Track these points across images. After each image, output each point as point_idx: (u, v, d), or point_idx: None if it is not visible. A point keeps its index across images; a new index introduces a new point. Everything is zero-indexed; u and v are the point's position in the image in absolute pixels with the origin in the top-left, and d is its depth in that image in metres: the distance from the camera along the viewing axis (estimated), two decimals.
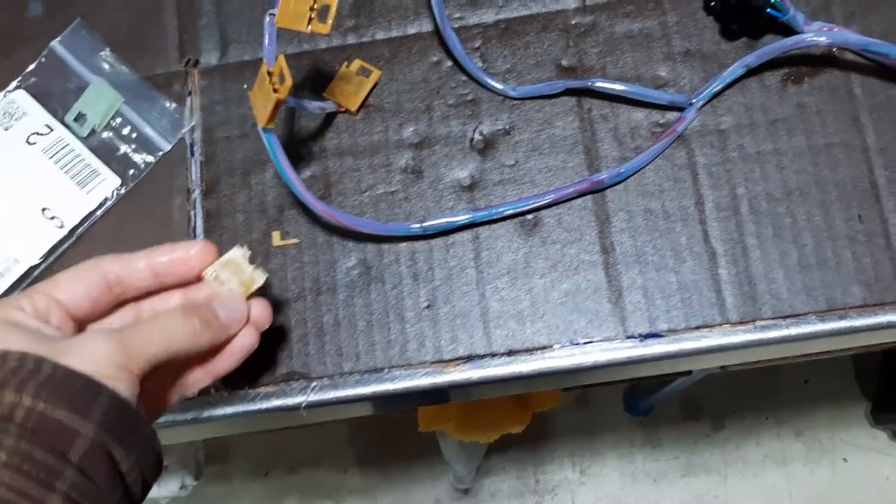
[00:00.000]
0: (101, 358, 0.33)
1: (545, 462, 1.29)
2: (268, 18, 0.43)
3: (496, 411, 0.83)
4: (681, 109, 0.48)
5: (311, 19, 0.42)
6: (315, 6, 0.42)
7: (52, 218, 0.50)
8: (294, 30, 0.42)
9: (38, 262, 0.50)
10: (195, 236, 0.49)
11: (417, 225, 0.47)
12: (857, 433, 1.31)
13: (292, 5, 0.42)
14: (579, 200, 0.48)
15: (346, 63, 0.51)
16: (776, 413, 1.32)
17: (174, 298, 0.41)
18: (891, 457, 1.29)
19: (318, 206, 0.45)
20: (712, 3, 0.49)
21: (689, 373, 0.88)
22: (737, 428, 1.32)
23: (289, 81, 0.41)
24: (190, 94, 0.52)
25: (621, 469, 1.30)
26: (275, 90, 0.41)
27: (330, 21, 0.42)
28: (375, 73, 0.50)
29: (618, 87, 0.48)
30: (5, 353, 0.31)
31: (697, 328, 0.45)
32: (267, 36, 0.43)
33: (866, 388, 1.31)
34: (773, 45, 0.46)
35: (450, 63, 0.51)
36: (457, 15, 0.52)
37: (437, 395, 0.47)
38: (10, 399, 0.30)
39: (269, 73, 0.42)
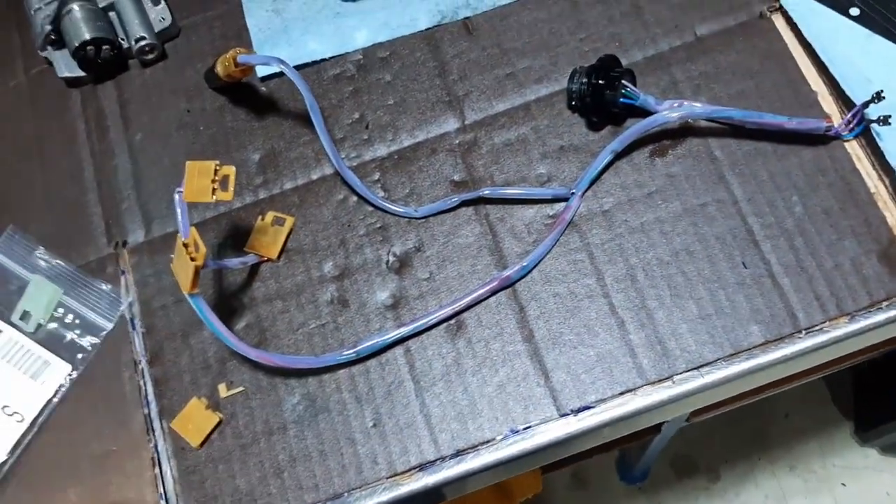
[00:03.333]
0: None
1: None
2: (177, 196, 0.47)
3: None
4: (565, 200, 0.53)
5: (214, 190, 0.46)
6: (216, 178, 0.46)
7: (13, 414, 0.53)
8: (201, 201, 0.47)
9: (5, 457, 0.52)
10: (147, 405, 0.52)
11: (350, 350, 0.50)
12: (847, 456, 1.33)
13: (196, 181, 0.46)
14: (494, 298, 0.52)
15: (260, 217, 0.55)
16: (766, 453, 1.34)
17: None
18: (885, 472, 1.31)
19: (252, 353, 0.49)
20: (574, 103, 0.54)
21: (658, 429, 0.90)
22: (732, 475, 1.33)
23: (203, 249, 0.45)
24: (123, 272, 0.56)
25: None
26: (192, 259, 0.45)
27: (231, 189, 0.46)
28: (289, 221, 0.55)
29: (505, 191, 0.53)
30: None
31: (622, 394, 0.49)
32: (179, 211, 0.47)
33: (845, 410, 1.34)
34: (632, 130, 0.52)
35: (355, 198, 0.56)
36: (353, 154, 0.57)
37: None
38: None
39: (185, 245, 0.46)
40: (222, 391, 0.52)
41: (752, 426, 1.34)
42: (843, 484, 1.31)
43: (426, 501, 0.50)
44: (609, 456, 1.32)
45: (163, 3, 0.61)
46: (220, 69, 0.55)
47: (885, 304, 0.49)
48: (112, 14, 0.61)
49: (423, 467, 0.49)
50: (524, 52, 0.58)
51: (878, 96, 0.49)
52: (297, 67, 0.59)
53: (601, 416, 0.49)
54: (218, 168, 0.47)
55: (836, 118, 0.53)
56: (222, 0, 0.62)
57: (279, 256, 0.54)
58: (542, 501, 1.34)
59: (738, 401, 0.90)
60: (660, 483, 1.33)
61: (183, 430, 0.50)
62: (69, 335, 0.54)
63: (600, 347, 0.50)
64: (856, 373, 1.32)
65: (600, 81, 0.52)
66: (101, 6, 0.60)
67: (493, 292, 0.52)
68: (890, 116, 0.49)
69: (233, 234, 0.55)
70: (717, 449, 1.34)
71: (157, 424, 0.52)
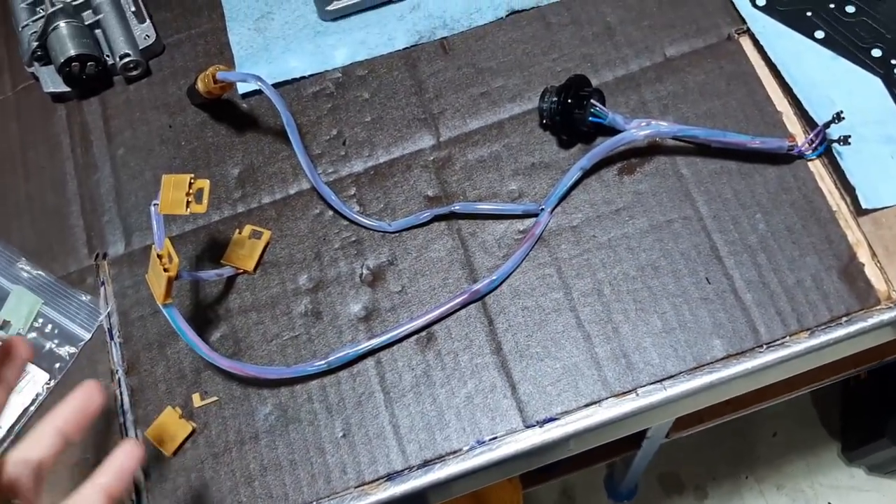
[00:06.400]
0: None
1: None
2: (152, 208, 0.49)
3: None
4: (535, 215, 0.54)
5: (188, 203, 0.48)
6: (191, 191, 0.48)
7: None
8: (176, 214, 0.48)
9: None
10: (123, 414, 0.53)
11: (322, 361, 0.51)
12: (835, 475, 1.33)
13: (171, 194, 0.48)
14: (464, 311, 0.53)
15: (238, 230, 0.56)
16: (753, 471, 1.34)
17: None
18: (872, 492, 1.31)
19: (224, 363, 0.50)
20: (545, 121, 0.56)
21: (638, 445, 0.91)
22: (719, 494, 1.34)
23: (176, 260, 0.46)
24: (103, 284, 0.57)
25: None
26: (165, 269, 0.46)
27: (205, 201, 0.48)
28: (266, 234, 0.56)
29: (476, 206, 0.54)
30: None
31: (587, 405, 0.50)
32: (154, 223, 0.49)
33: (832, 429, 1.35)
34: (600, 147, 0.53)
35: (330, 212, 0.57)
36: (331, 170, 0.58)
37: None
38: None
39: (160, 256, 0.47)
40: (196, 401, 0.52)
41: (740, 445, 1.35)
42: (830, 503, 1.31)
43: None
44: (597, 473, 1.33)
45: (148, 20, 0.63)
46: (200, 86, 0.56)
47: (844, 319, 0.50)
48: (98, 31, 0.62)
49: (390, 477, 0.50)
50: (498, 72, 0.59)
51: (838, 117, 0.51)
52: (278, 85, 0.60)
53: (566, 428, 0.49)
54: (192, 181, 0.48)
55: (801, 138, 0.54)
56: (206, 18, 0.64)
57: (255, 269, 0.56)
58: None
59: (718, 416, 0.91)
60: (647, 501, 1.33)
61: (156, 438, 0.51)
62: (48, 345, 0.55)
63: (566, 360, 0.51)
64: (843, 393, 1.32)
65: (569, 101, 0.54)
66: (87, 23, 0.62)
67: (463, 305, 0.53)
68: (850, 136, 0.51)
69: (211, 247, 0.57)
70: (705, 467, 1.34)
71: (132, 433, 0.53)
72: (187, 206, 0.48)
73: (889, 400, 1.17)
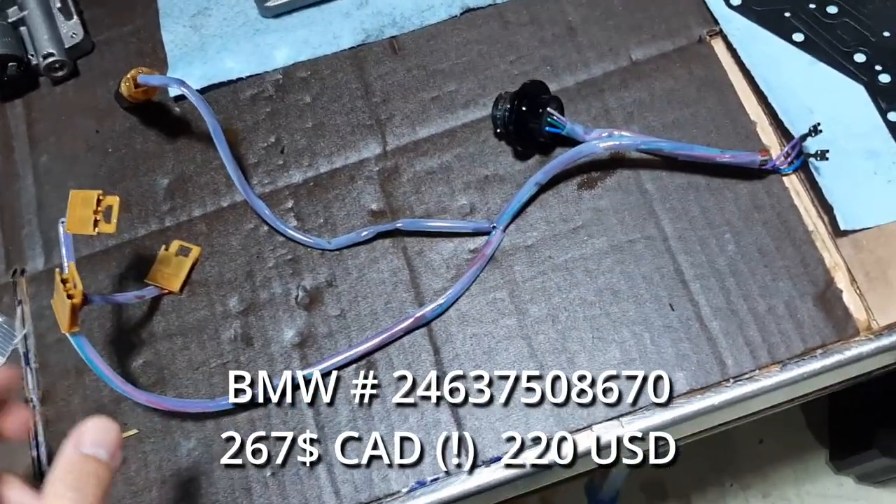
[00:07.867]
0: None
1: None
2: (60, 227, 0.44)
3: None
4: (487, 234, 0.50)
5: (97, 222, 0.43)
6: (99, 209, 0.43)
7: None
8: (83, 233, 0.43)
9: None
10: (38, 447, 0.49)
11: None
12: (823, 483, 1.29)
13: (78, 212, 0.43)
14: (408, 338, 0.49)
15: (164, 246, 0.52)
16: (739, 479, 1.30)
17: None
18: (861, 501, 1.27)
19: (141, 397, 0.46)
20: (499, 130, 0.51)
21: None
22: (703, 502, 1.30)
23: (80, 286, 0.42)
24: (20, 303, 0.52)
25: None
26: (69, 296, 0.42)
27: (114, 220, 0.43)
28: (195, 251, 0.52)
29: (422, 224, 0.50)
30: None
31: (537, 442, 0.45)
32: (62, 243, 0.44)
33: (820, 436, 1.31)
34: (556, 161, 0.49)
35: (266, 227, 0.52)
36: (267, 180, 0.54)
37: None
38: None
39: (63, 281, 0.43)
40: None
41: (724, 452, 1.31)
42: None
43: None
44: (577, 482, 1.29)
45: (76, 17, 0.58)
46: (123, 89, 0.52)
47: (819, 352, 0.45)
48: (23, 28, 0.58)
49: None
50: (451, 75, 0.55)
51: (815, 129, 0.46)
52: (213, 87, 0.56)
53: (510, 471, 0.45)
54: (101, 198, 0.43)
55: (775, 150, 0.50)
56: (140, 14, 0.59)
57: (182, 289, 0.51)
58: None
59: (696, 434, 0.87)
60: None
61: None
62: None
63: (518, 394, 0.46)
64: (829, 399, 1.29)
65: (524, 109, 0.49)
66: (10, 20, 0.57)
67: (407, 332, 0.48)
68: (828, 151, 0.46)
69: (136, 264, 0.52)
70: (689, 474, 1.31)
71: (46, 468, 0.48)
72: (95, 226, 0.43)
73: (876, 410, 1.13)
